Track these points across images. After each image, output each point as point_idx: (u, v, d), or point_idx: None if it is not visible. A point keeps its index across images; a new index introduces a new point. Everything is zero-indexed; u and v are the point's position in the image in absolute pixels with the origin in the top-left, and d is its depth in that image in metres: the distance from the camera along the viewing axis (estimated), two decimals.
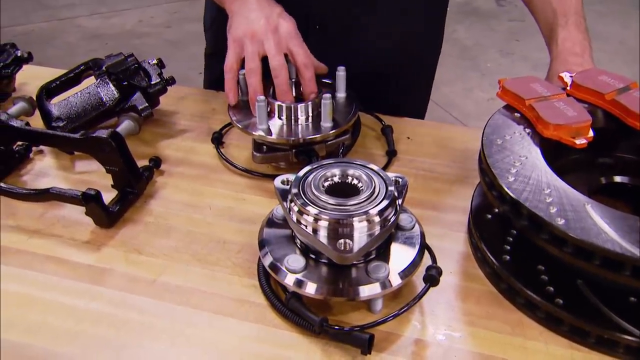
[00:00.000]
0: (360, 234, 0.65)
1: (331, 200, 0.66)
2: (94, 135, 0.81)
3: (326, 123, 0.87)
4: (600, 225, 0.60)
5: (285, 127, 0.89)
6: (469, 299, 0.71)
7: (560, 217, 0.61)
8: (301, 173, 0.70)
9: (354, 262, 0.67)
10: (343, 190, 0.69)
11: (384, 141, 0.97)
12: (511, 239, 0.73)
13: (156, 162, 0.91)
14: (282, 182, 0.71)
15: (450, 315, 0.69)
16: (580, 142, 0.73)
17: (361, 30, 1.06)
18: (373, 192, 0.67)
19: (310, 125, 0.89)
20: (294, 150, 0.88)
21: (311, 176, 0.70)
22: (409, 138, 0.99)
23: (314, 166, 0.71)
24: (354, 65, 0.95)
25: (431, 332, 0.67)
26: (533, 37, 3.94)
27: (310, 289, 0.66)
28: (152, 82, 0.98)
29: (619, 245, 0.58)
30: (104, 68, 0.95)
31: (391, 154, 0.94)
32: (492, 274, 0.73)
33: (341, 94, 0.93)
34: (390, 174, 0.71)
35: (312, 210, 0.65)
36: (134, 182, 0.84)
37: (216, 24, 1.13)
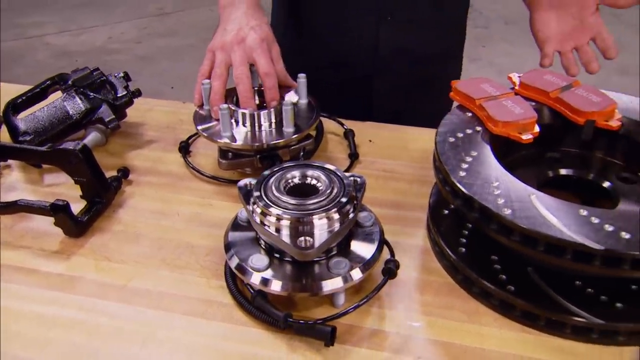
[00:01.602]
0: (321, 231, 0.68)
1: (292, 201, 0.69)
2: (60, 147, 0.82)
3: (288, 128, 0.90)
4: (544, 214, 0.64)
5: (249, 133, 0.92)
6: (428, 291, 0.74)
7: (507, 208, 0.65)
8: (263, 176, 0.73)
9: (316, 259, 0.70)
10: (303, 190, 0.72)
11: (346, 145, 1.01)
12: (466, 232, 0.77)
13: (124, 172, 0.93)
14: (245, 186, 0.74)
15: (410, 306, 0.72)
16: (527, 137, 0.77)
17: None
18: (332, 191, 0.70)
19: (273, 131, 0.92)
20: (258, 156, 0.91)
21: (272, 179, 0.72)
22: (370, 141, 1.02)
23: (275, 169, 0.74)
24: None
25: (392, 323, 0.70)
26: (498, 44, 4.04)
27: (275, 286, 0.69)
28: (119, 95, 1.00)
29: (560, 232, 0.62)
30: (70, 82, 0.97)
31: (353, 156, 0.97)
32: (449, 267, 0.76)
33: (303, 100, 0.97)
34: (349, 174, 0.74)
35: (274, 211, 0.68)
36: (102, 192, 0.86)
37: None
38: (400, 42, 1.15)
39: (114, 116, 0.97)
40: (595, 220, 0.63)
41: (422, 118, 1.06)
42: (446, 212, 0.80)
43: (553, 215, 0.64)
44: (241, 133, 0.92)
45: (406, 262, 0.78)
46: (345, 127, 1.02)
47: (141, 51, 4.05)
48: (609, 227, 0.62)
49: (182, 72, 3.64)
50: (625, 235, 0.61)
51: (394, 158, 0.98)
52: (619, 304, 0.67)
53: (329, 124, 1.06)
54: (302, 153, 0.91)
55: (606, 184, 0.78)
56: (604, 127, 0.79)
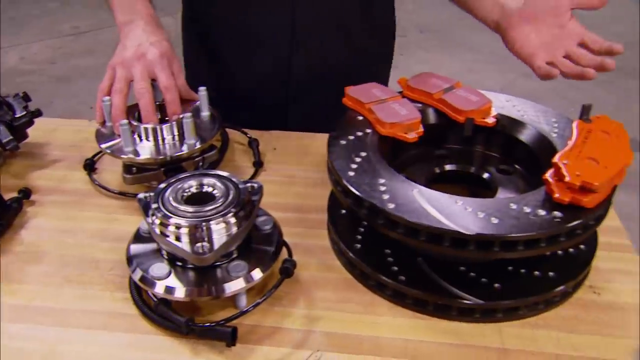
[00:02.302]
0: (219, 236, 0.71)
1: (189, 209, 0.72)
2: None
3: (190, 140, 0.92)
4: (425, 206, 0.69)
5: (153, 147, 0.93)
6: (328, 287, 0.78)
7: (391, 203, 0.70)
8: (160, 188, 0.75)
9: (218, 263, 0.73)
10: (201, 198, 0.75)
11: (251, 154, 1.04)
12: (362, 230, 0.81)
13: (25, 193, 0.92)
14: (145, 198, 0.75)
15: (311, 303, 0.75)
16: (412, 136, 0.82)
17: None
18: (227, 197, 0.73)
19: (177, 143, 0.94)
20: (162, 169, 0.93)
21: (169, 190, 0.74)
22: (275, 149, 1.06)
23: (172, 180, 0.76)
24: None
25: (292, 320, 0.73)
26: (415, 52, 4.18)
27: (178, 293, 0.70)
28: (17, 116, 0.99)
29: (438, 222, 0.67)
30: None
31: (257, 164, 1.00)
32: (347, 263, 0.80)
33: (205, 113, 0.99)
34: (246, 180, 0.77)
35: (172, 220, 0.70)
36: (1, 215, 0.85)
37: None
38: (314, 71, 1.15)
39: (11, 137, 0.95)
40: (469, 209, 0.69)
41: None
42: (343, 212, 0.85)
43: (432, 207, 0.69)
44: (145, 147, 0.93)
45: (308, 261, 0.81)
46: (249, 136, 1.05)
47: (57, 72, 3.94)
48: (480, 214, 0.67)
49: None
50: (494, 220, 0.67)
51: (297, 164, 1.02)
52: (497, 285, 0.73)
53: (235, 135, 1.08)
54: (201, 163, 0.93)
55: (486, 176, 0.85)
56: (481, 124, 0.86)
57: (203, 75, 1.20)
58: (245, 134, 1.06)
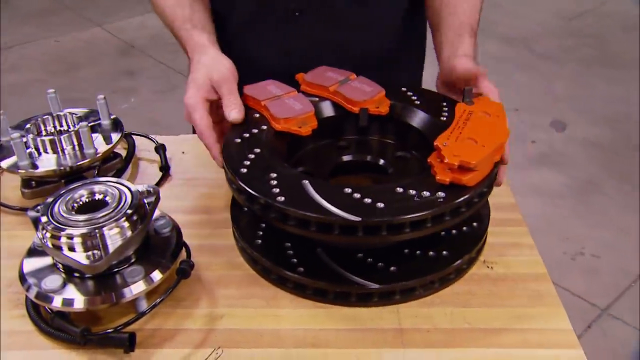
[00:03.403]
0: (114, 242, 0.70)
1: (81, 217, 0.71)
2: None
3: (89, 150, 0.91)
4: (314, 197, 0.70)
5: (52, 159, 0.91)
6: (231, 285, 0.78)
7: (281, 196, 0.71)
8: (49, 200, 0.74)
9: (116, 269, 0.72)
10: (94, 206, 0.74)
11: (160, 159, 1.03)
12: (263, 226, 0.82)
13: None
14: (36, 212, 0.74)
15: (213, 302, 0.76)
16: (306, 130, 0.83)
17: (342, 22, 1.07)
18: (120, 202, 0.72)
19: (77, 153, 0.92)
20: (63, 180, 0.91)
21: (59, 201, 0.73)
22: (183, 153, 1.05)
23: (62, 192, 0.75)
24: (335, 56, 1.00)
25: (194, 320, 0.73)
26: None
27: (77, 304, 0.70)
28: None
29: (325, 211, 0.68)
30: None
31: (164, 169, 0.99)
32: (250, 259, 0.81)
33: (106, 121, 0.98)
34: (142, 186, 0.77)
35: (63, 231, 0.69)
36: None
37: None
38: None
39: None
40: (357, 195, 0.70)
41: None
42: (245, 209, 0.85)
43: (321, 197, 0.70)
44: (44, 160, 0.91)
45: (213, 261, 0.82)
46: (155, 142, 1.04)
47: None
48: (367, 200, 0.69)
49: (30, 108, 3.44)
50: (379, 205, 0.68)
51: (205, 166, 1.01)
52: (393, 268, 0.75)
53: (142, 141, 1.07)
54: (96, 172, 0.92)
55: (382, 163, 0.87)
56: (375, 113, 0.87)
57: None
58: (152, 139, 1.05)
